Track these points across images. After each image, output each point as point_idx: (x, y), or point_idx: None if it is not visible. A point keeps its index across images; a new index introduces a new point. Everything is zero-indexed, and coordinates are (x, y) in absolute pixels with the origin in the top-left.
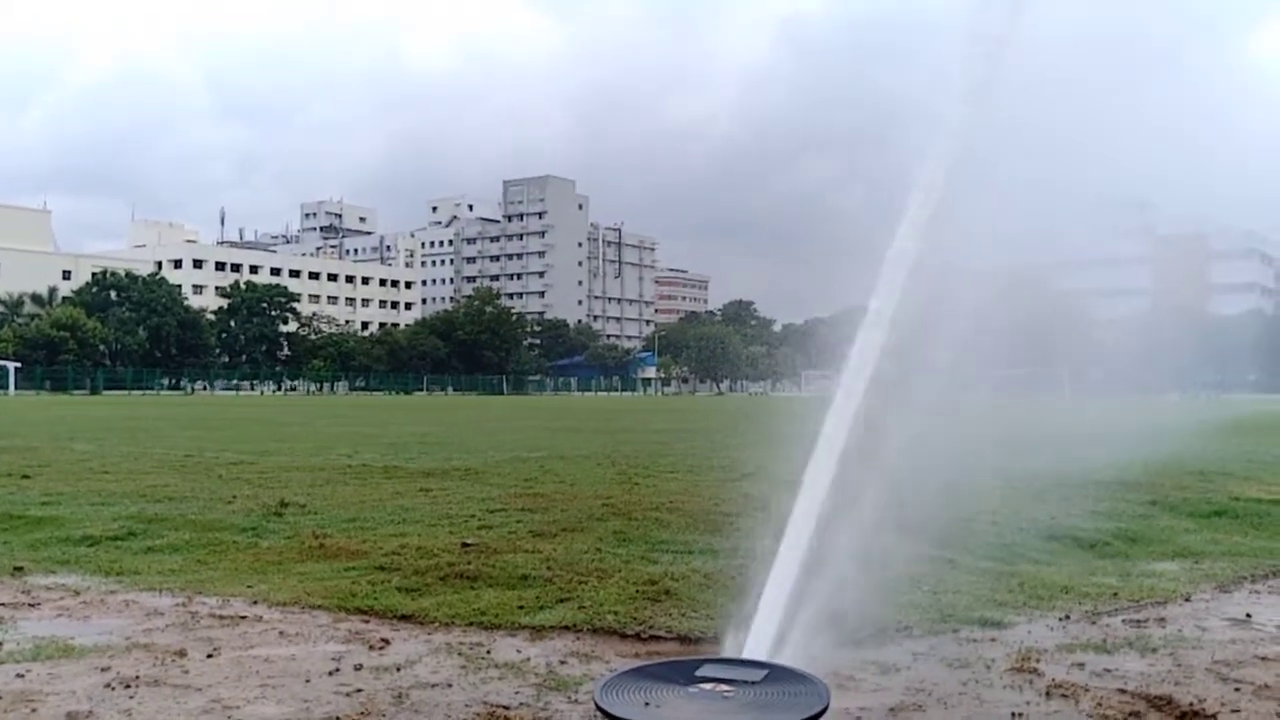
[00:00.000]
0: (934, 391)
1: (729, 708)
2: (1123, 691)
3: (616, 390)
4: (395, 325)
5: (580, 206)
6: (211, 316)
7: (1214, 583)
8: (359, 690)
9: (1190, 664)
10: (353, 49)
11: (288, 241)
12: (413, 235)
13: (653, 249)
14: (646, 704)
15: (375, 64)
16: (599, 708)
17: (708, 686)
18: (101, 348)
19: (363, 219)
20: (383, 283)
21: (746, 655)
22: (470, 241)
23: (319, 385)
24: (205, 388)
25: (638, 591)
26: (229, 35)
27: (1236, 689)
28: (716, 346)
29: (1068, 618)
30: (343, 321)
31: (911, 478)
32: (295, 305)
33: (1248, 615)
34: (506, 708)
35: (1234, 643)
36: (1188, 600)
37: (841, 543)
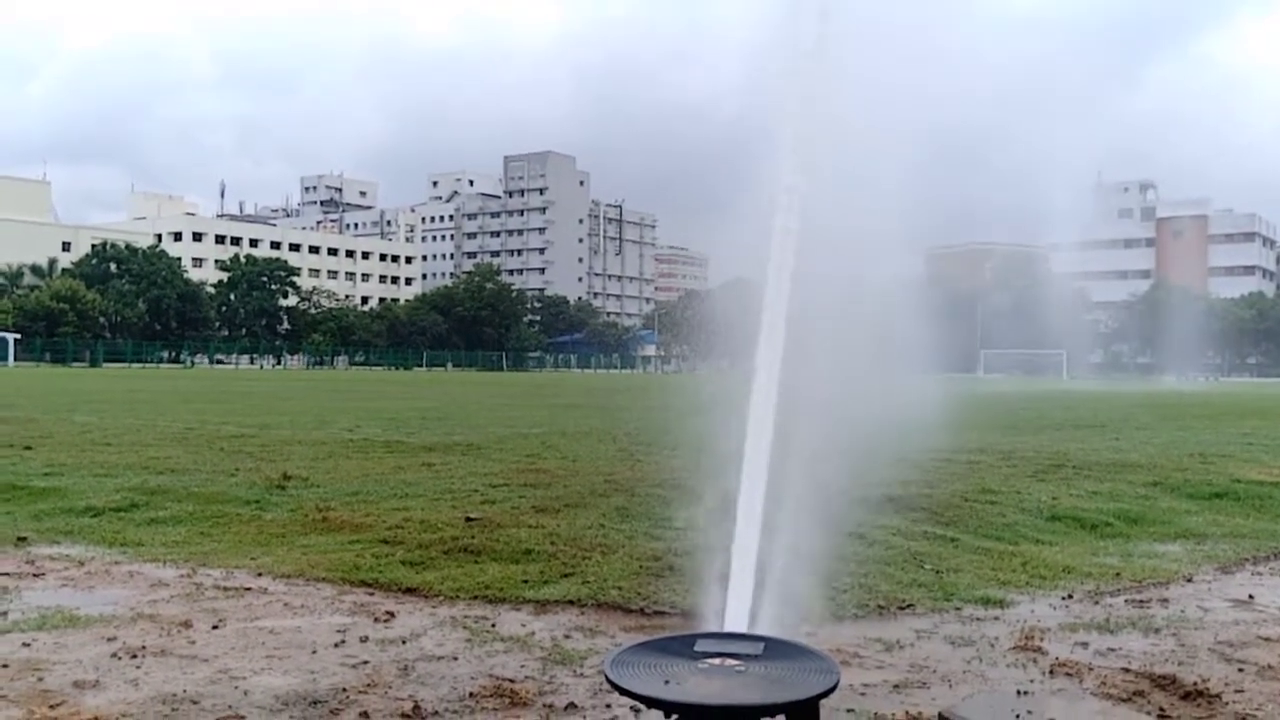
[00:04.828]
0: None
1: (747, 682)
2: (1126, 671)
3: (616, 367)
4: (395, 300)
5: (581, 183)
6: (211, 290)
7: (1216, 564)
8: (365, 662)
9: (1193, 644)
10: (356, 21)
11: (287, 215)
12: (413, 210)
13: (653, 226)
14: (666, 681)
15: (378, 37)
16: (617, 686)
17: (715, 661)
18: (101, 320)
19: (363, 193)
20: (383, 258)
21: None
22: (471, 217)
23: (319, 360)
24: (205, 361)
25: (641, 567)
26: (231, 5)
27: (1240, 669)
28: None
29: (1070, 597)
30: (342, 296)
31: None
32: (295, 279)
33: (1250, 596)
34: (512, 680)
35: (1237, 623)
36: (1190, 581)
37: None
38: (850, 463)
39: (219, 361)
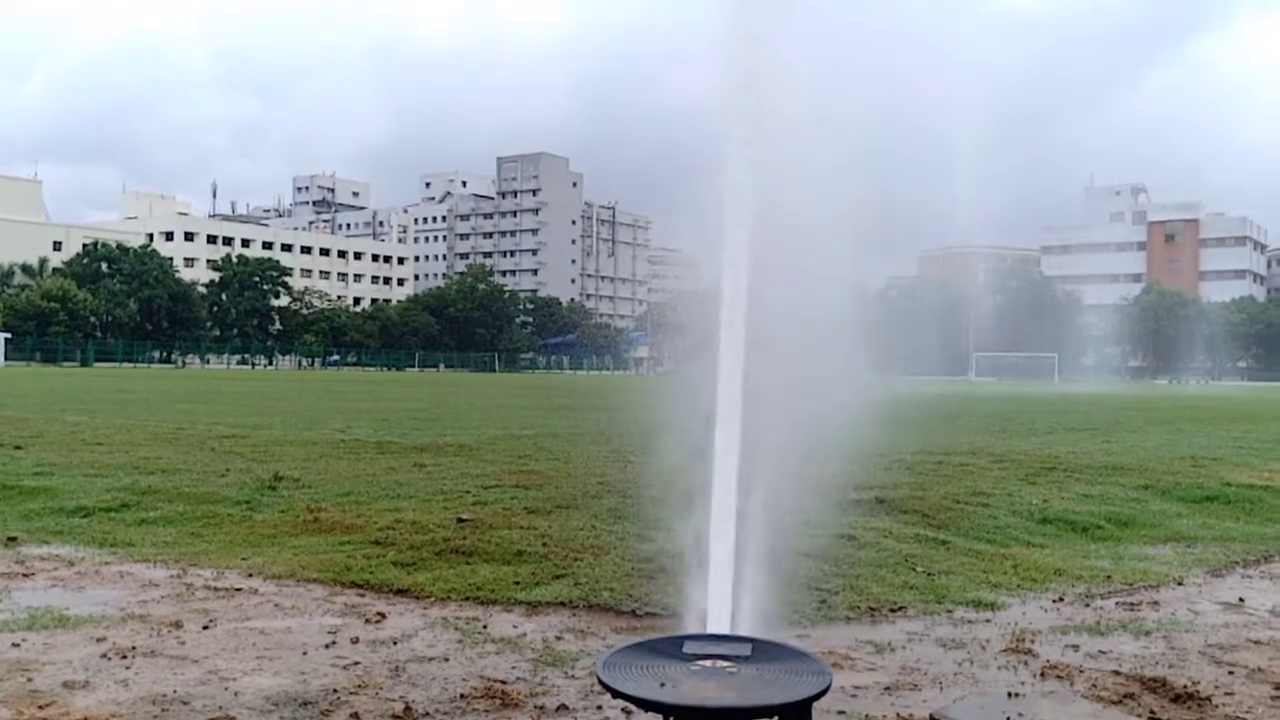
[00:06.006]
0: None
1: (741, 683)
2: (1117, 673)
3: (609, 369)
4: (387, 301)
5: (574, 184)
6: (203, 289)
7: (1206, 567)
8: (356, 663)
9: (1184, 647)
10: (351, 23)
11: (279, 215)
12: (406, 211)
13: (646, 228)
14: (661, 684)
15: (373, 39)
16: (610, 689)
17: (707, 663)
18: (92, 319)
19: (355, 194)
20: (375, 258)
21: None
22: (463, 218)
23: (310, 360)
24: (196, 361)
25: (633, 569)
26: (228, 6)
27: (1230, 672)
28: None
29: (1061, 600)
30: (334, 297)
31: None
32: (287, 279)
33: (1240, 599)
34: (503, 682)
35: (1227, 626)
36: (1180, 584)
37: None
38: (809, 466)
39: (240, 362)
